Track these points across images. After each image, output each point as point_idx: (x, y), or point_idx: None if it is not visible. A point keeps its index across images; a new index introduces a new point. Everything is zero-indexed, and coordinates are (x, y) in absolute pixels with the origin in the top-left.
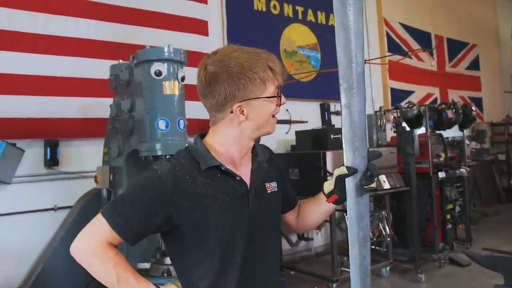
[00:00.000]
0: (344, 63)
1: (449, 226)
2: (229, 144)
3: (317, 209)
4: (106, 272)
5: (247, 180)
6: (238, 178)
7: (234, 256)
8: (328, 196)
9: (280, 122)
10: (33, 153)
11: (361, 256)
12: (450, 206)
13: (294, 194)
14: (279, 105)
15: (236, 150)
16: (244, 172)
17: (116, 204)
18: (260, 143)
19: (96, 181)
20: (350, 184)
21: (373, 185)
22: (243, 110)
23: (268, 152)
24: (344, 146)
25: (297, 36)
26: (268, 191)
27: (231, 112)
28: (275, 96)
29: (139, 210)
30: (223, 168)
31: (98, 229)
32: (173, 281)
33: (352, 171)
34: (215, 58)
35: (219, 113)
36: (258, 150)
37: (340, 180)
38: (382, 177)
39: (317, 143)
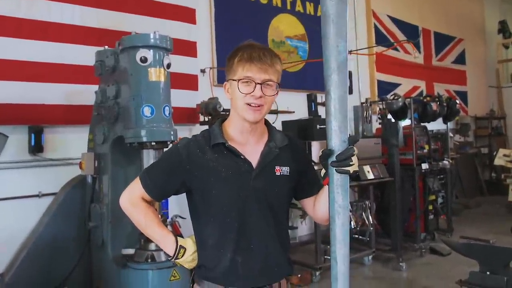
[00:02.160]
0: (327, 52)
1: (431, 216)
2: (232, 124)
3: (321, 194)
4: (139, 218)
5: (255, 159)
6: (242, 156)
7: (231, 222)
8: (322, 179)
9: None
10: (17, 139)
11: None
12: (433, 197)
13: (315, 184)
14: (243, 92)
15: (237, 130)
16: (254, 152)
17: (149, 168)
18: (287, 133)
19: (81, 167)
20: (331, 166)
21: (348, 168)
22: (228, 88)
23: (287, 140)
24: (326, 131)
25: (285, 26)
26: (277, 173)
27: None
28: (234, 80)
29: (162, 174)
30: (227, 145)
31: (135, 188)
32: (190, 237)
33: (326, 152)
34: None
35: None
36: (275, 137)
37: (324, 164)
38: (367, 168)
39: (304, 133)
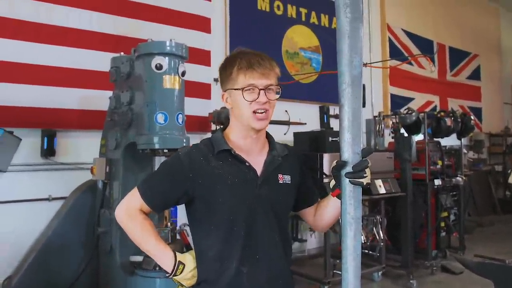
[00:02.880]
0: (342, 66)
1: (443, 233)
2: (234, 132)
3: (326, 204)
4: (135, 231)
5: (259, 168)
6: (247, 164)
7: (237, 231)
8: (332, 190)
9: (279, 123)
10: (30, 143)
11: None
12: (445, 214)
13: (314, 193)
14: (248, 100)
15: (240, 138)
16: (257, 161)
17: (148, 178)
18: (284, 143)
19: (92, 172)
20: (343, 178)
21: (362, 180)
22: (226, 98)
23: (287, 150)
24: (340, 143)
25: (300, 38)
26: (280, 181)
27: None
28: (237, 89)
29: (162, 183)
30: (233, 153)
31: (133, 198)
32: (190, 252)
33: (340, 163)
34: None
35: None
36: (276, 146)
37: (336, 175)
38: (378, 182)
39: (315, 145)
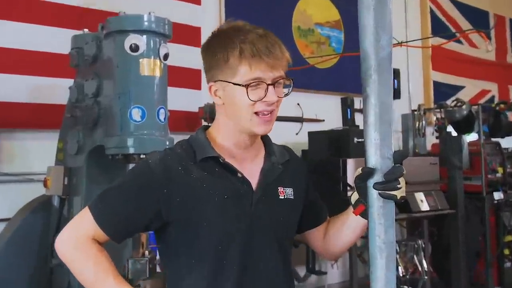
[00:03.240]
0: (366, 47)
1: (508, 264)
2: (224, 134)
3: (344, 224)
4: (85, 267)
5: (254, 179)
6: (239, 174)
7: (228, 265)
8: (354, 206)
9: (289, 119)
10: None
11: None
12: (509, 238)
13: (322, 209)
14: (253, 99)
15: (232, 143)
16: (251, 171)
17: (104, 196)
18: (282, 144)
19: (45, 185)
20: (371, 190)
21: (395, 193)
22: (216, 90)
23: (288, 155)
24: (365, 145)
25: (315, 11)
26: (281, 197)
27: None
28: (237, 84)
29: (126, 203)
30: (221, 161)
31: (83, 223)
32: None
33: (366, 171)
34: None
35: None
36: (274, 149)
37: (360, 186)
38: (419, 196)
39: (336, 147)
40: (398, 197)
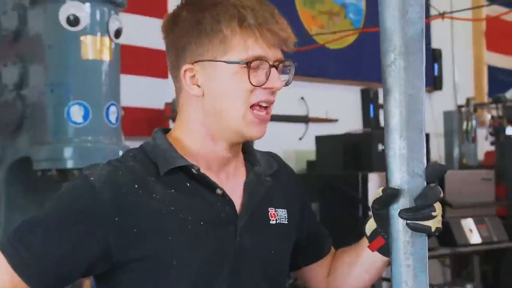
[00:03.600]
0: (387, 22)
1: None
2: (196, 138)
3: (356, 261)
4: None
5: (236, 198)
6: (219, 191)
7: None
8: (370, 239)
9: (290, 119)
10: None
11: None
12: None
13: (324, 237)
14: (255, 84)
15: (208, 151)
16: (233, 185)
17: (23, 231)
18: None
19: None
20: (394, 219)
21: (428, 223)
22: (194, 77)
23: (276, 163)
24: (386, 157)
25: None
26: (272, 221)
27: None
28: (239, 62)
29: (58, 241)
30: (194, 172)
31: None
32: None
33: (388, 193)
34: None
35: (175, 81)
36: (257, 157)
37: (379, 213)
38: (468, 223)
39: (354, 158)
40: (433, 229)
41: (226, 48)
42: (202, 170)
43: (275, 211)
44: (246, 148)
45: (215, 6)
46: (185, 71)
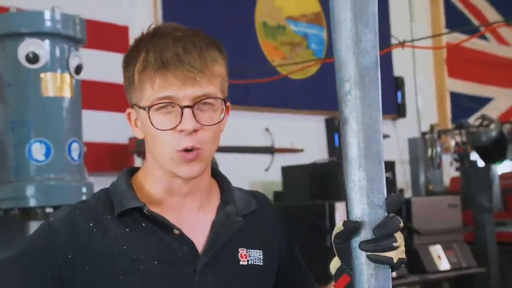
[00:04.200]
0: (342, 51)
1: None
2: (153, 178)
3: None
4: None
5: (199, 238)
6: (176, 231)
7: None
8: (335, 278)
9: (255, 150)
10: None
11: None
12: None
13: (310, 281)
14: (160, 128)
15: (161, 188)
16: (196, 225)
17: None
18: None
19: None
20: (356, 252)
21: (390, 254)
22: (136, 119)
23: (256, 203)
24: (346, 189)
25: (287, 0)
26: (242, 262)
27: None
28: (142, 107)
29: (17, 281)
30: (146, 212)
31: None
32: None
33: (348, 226)
34: None
35: None
36: (234, 196)
37: (340, 248)
38: (436, 250)
39: (321, 187)
40: (395, 261)
41: (140, 93)
42: (160, 211)
43: (246, 252)
44: (222, 187)
45: (135, 50)
46: (128, 114)
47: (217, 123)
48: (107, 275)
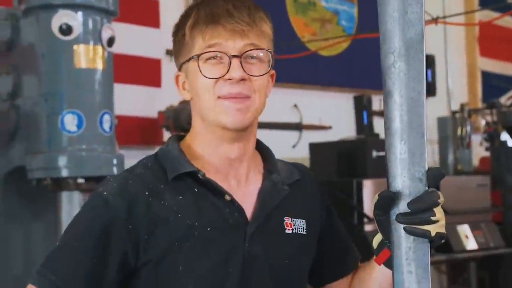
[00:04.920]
0: (387, 24)
1: None
2: (201, 140)
3: (369, 278)
4: None
5: (248, 205)
6: (228, 197)
7: None
8: (376, 252)
9: (283, 127)
10: None
11: None
12: None
13: (350, 251)
14: (208, 76)
15: (211, 153)
16: (244, 193)
17: (52, 256)
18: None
19: None
20: (395, 225)
21: (428, 227)
22: (184, 82)
23: (298, 173)
24: (387, 161)
25: None
26: (287, 230)
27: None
28: (192, 57)
29: (83, 259)
30: (200, 177)
31: None
32: None
33: (387, 196)
34: None
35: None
36: (277, 166)
37: (380, 220)
38: (464, 229)
39: (348, 165)
40: (433, 234)
41: (189, 50)
42: (211, 175)
43: (291, 221)
44: (265, 156)
45: (186, 12)
46: (176, 77)
47: (264, 74)
48: (164, 242)
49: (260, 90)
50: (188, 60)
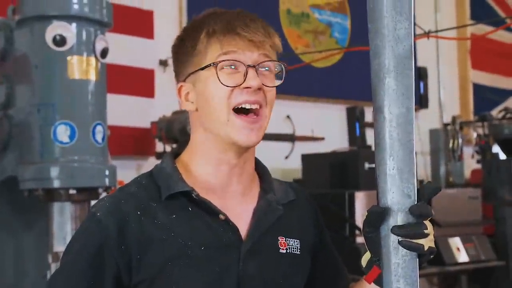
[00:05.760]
0: (378, 39)
1: None
2: (201, 157)
3: None
4: None
5: (243, 224)
6: (222, 216)
7: None
8: (366, 270)
9: (276, 138)
10: None
11: None
12: None
13: (341, 273)
14: (226, 84)
15: (210, 169)
16: (239, 212)
17: (52, 280)
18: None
19: None
20: (385, 241)
21: (421, 242)
22: (188, 94)
23: (293, 193)
24: (377, 176)
25: None
26: (282, 250)
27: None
28: (208, 66)
29: (80, 280)
30: (194, 196)
31: None
32: None
33: (377, 211)
34: None
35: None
36: (273, 186)
37: (370, 236)
38: (455, 242)
39: (341, 176)
40: (425, 248)
41: (202, 59)
42: (205, 195)
43: (285, 240)
44: (261, 175)
45: (195, 25)
46: (179, 88)
47: (273, 87)
48: (157, 261)
49: (271, 103)
50: (201, 69)
